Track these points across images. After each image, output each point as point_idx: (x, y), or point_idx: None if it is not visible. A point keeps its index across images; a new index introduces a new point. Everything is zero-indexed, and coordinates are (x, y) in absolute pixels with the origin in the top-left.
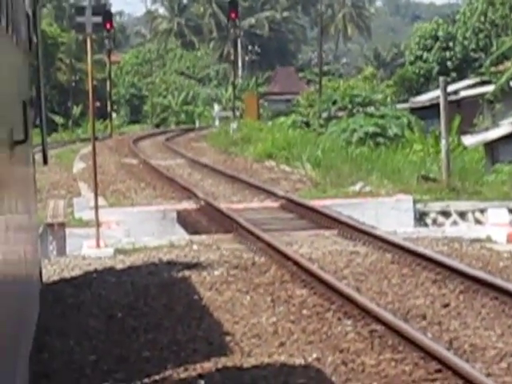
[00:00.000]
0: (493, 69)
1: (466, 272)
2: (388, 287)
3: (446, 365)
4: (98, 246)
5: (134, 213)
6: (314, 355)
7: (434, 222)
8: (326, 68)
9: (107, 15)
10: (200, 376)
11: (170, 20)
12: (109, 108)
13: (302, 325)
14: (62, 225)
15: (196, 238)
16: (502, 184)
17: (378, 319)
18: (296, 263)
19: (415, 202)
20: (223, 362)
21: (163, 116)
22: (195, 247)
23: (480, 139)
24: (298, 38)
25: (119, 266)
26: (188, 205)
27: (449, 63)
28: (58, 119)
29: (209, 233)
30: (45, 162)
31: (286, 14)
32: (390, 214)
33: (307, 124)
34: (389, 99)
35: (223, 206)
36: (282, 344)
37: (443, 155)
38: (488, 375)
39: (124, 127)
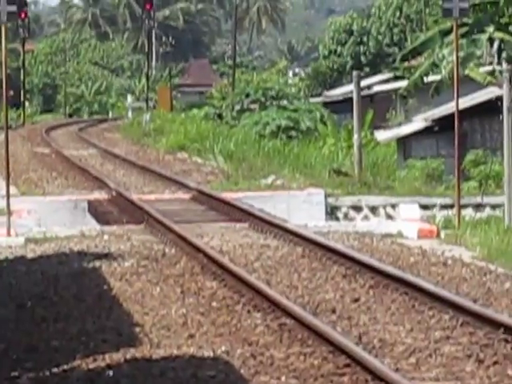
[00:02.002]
0: (406, 64)
1: (377, 267)
2: (298, 281)
3: (354, 359)
4: (8, 234)
5: (46, 202)
6: (223, 348)
7: (346, 216)
8: (239, 61)
9: (22, 4)
10: (109, 367)
11: (85, 10)
12: (22, 97)
13: (212, 317)
14: None
15: (107, 228)
16: (414, 179)
17: (288, 313)
18: (206, 255)
19: (327, 195)
20: (132, 352)
21: (76, 106)
22: (106, 238)
23: (392, 134)
24: (213, 31)
25: (30, 255)
26: (99, 195)
27: (363, 58)
28: None
29: (120, 223)
30: None
31: (200, 6)
32: (302, 208)
33: (220, 116)
34: (302, 93)
35: (135, 196)
36: (191, 336)
37: (355, 150)
38: (396, 370)
39: (37, 116)
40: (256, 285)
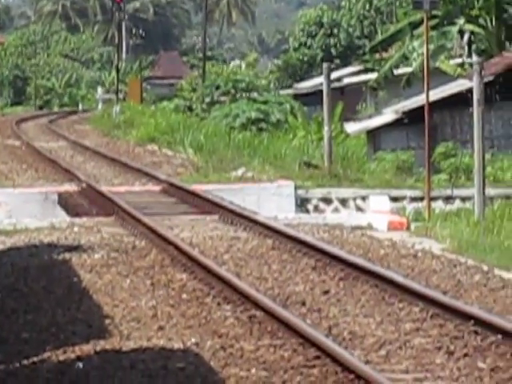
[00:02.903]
0: (377, 56)
1: (347, 259)
2: (268, 273)
3: (324, 351)
4: None
5: (16, 194)
6: (193, 340)
7: (316, 208)
8: (209, 53)
9: None
10: (79, 358)
11: (55, 2)
12: None
13: (182, 309)
14: None
15: (77, 220)
16: (384, 172)
17: (258, 305)
18: (176, 247)
19: (297, 188)
20: (102, 344)
21: (47, 98)
22: (76, 229)
23: (363, 127)
24: (183, 23)
25: (0, 247)
26: (70, 187)
27: (333, 50)
28: None
29: (90, 215)
30: None
31: None
32: (272, 200)
33: (190, 108)
34: (272, 85)
35: (105, 188)
36: (161, 328)
37: (325, 142)
38: (367, 362)
39: (7, 109)
40: (226, 277)
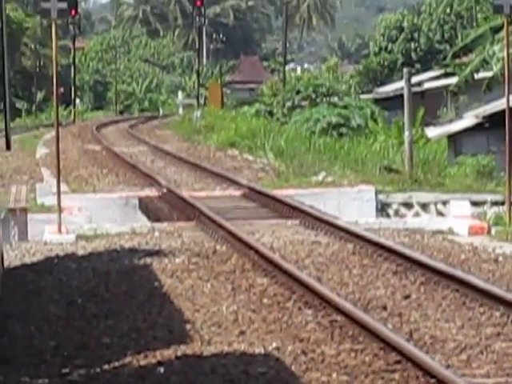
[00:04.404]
0: (457, 61)
1: (427, 264)
2: (349, 277)
3: (405, 356)
4: (59, 231)
5: (96, 199)
6: (274, 344)
7: (396, 213)
8: (290, 57)
9: (72, 1)
10: (160, 363)
11: (136, 7)
12: (72, 94)
13: (263, 314)
14: (24, 210)
15: (158, 225)
16: (465, 176)
17: (339, 309)
18: (257, 252)
19: (377, 192)
20: (183, 349)
21: (127, 103)
22: (157, 234)
23: (443, 131)
24: (263, 27)
25: (80, 252)
26: (150, 192)
27: (413, 54)
28: (22, 104)
29: (171, 220)
30: (8, 147)
31: (251, 2)
32: (352, 205)
33: (271, 113)
34: (353, 89)
35: (185, 193)
36: (242, 333)
37: (406, 146)
38: (448, 367)
39: (87, 113)
40: (307, 281)
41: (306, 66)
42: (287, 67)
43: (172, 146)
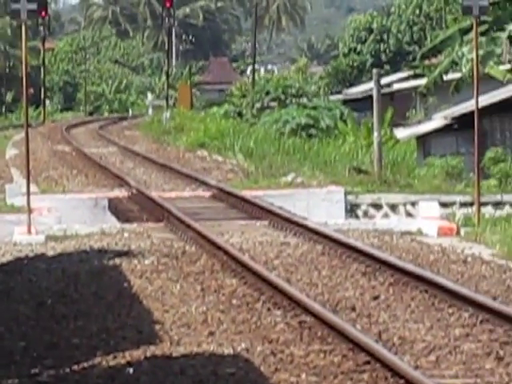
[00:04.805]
0: (426, 62)
1: (396, 264)
2: (318, 278)
3: (374, 357)
4: (29, 232)
5: (66, 200)
6: (243, 345)
7: (365, 214)
8: (259, 59)
9: (42, 2)
10: (129, 364)
11: (105, 8)
12: (42, 95)
13: (232, 314)
14: None
15: (127, 226)
16: (434, 177)
17: (308, 310)
18: (227, 253)
19: (346, 193)
20: (152, 350)
21: (96, 104)
22: (126, 235)
23: (412, 132)
24: (232, 29)
25: (50, 253)
26: (120, 193)
27: (383, 56)
28: None
29: (140, 221)
30: None
31: (220, 3)
32: (322, 206)
33: (240, 114)
34: (322, 91)
35: (155, 194)
36: (211, 333)
37: (375, 147)
38: (416, 368)
39: (57, 114)
40: (276, 282)
41: (269, 67)
42: (249, 68)
43: (141, 146)
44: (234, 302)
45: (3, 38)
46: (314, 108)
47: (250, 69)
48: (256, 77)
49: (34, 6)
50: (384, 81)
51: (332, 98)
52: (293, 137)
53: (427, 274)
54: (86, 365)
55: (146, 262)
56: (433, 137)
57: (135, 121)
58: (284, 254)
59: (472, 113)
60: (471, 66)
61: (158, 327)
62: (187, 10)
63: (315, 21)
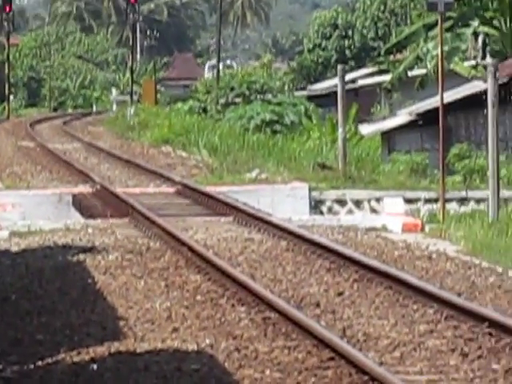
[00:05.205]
0: (391, 58)
1: (361, 261)
2: (283, 274)
3: (339, 353)
4: None
5: (30, 196)
6: (208, 341)
7: (330, 210)
8: (224, 55)
9: None
10: (93, 360)
11: (69, 3)
12: (6, 91)
13: (196, 310)
14: None
15: (91, 222)
16: (398, 173)
17: (272, 306)
18: (191, 249)
19: (311, 189)
20: (116, 346)
21: (61, 100)
22: (90, 231)
23: (377, 128)
24: (197, 24)
25: (14, 249)
26: (84, 188)
27: (347, 52)
28: None
29: (104, 217)
30: None
31: None
32: (286, 202)
33: (205, 110)
34: (286, 87)
35: (119, 190)
36: (175, 329)
37: (340, 143)
38: (381, 364)
39: (21, 110)
40: (240, 278)
41: (228, 62)
42: (207, 64)
43: (106, 142)
44: (199, 298)
45: None
46: (279, 104)
47: (208, 64)
48: (221, 73)
49: None
50: (349, 77)
51: (297, 93)
52: (257, 133)
53: (392, 270)
54: (50, 361)
55: (111, 257)
56: (397, 133)
57: (99, 116)
58: (248, 250)
59: (437, 109)
60: (436, 61)
61: (122, 323)
62: (152, 5)
63: (280, 16)
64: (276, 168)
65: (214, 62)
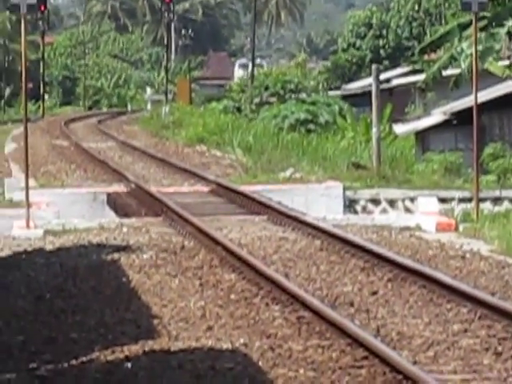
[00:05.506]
0: (425, 58)
1: (395, 260)
2: (317, 274)
3: (372, 352)
4: (27, 226)
5: (65, 194)
6: (242, 340)
7: (364, 209)
8: (258, 54)
9: None
10: (127, 358)
11: (104, 2)
12: (41, 89)
13: (230, 309)
14: None
15: (126, 220)
16: (432, 173)
17: (306, 305)
18: (225, 248)
19: (345, 189)
20: (150, 345)
21: (95, 98)
22: (125, 230)
23: (411, 128)
24: (232, 24)
25: (49, 248)
26: (118, 187)
27: (382, 51)
28: None
29: (138, 216)
30: None
31: None
32: (320, 201)
33: (239, 109)
34: (321, 86)
35: (153, 189)
36: (209, 328)
37: (374, 143)
38: (415, 363)
39: (56, 109)
40: (274, 277)
41: (258, 61)
42: (237, 63)
43: (140, 141)
44: (233, 296)
45: (3, 33)
46: (313, 103)
47: (238, 63)
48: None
49: (33, 1)
50: (383, 76)
51: (331, 93)
52: (291, 132)
53: (426, 269)
54: (84, 359)
55: (145, 256)
56: (432, 132)
57: (134, 115)
58: (282, 249)
59: (471, 108)
60: (470, 61)
61: (156, 322)
62: (186, 4)
63: (314, 16)
64: (310, 167)
65: (243, 60)
